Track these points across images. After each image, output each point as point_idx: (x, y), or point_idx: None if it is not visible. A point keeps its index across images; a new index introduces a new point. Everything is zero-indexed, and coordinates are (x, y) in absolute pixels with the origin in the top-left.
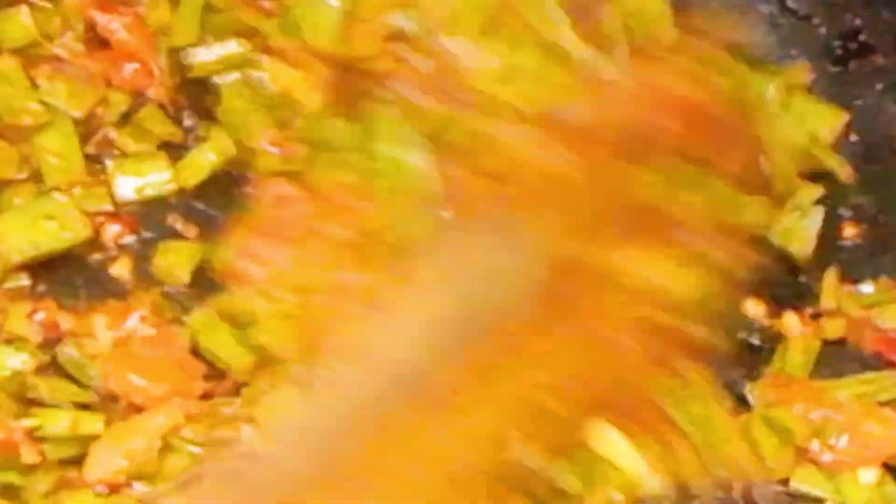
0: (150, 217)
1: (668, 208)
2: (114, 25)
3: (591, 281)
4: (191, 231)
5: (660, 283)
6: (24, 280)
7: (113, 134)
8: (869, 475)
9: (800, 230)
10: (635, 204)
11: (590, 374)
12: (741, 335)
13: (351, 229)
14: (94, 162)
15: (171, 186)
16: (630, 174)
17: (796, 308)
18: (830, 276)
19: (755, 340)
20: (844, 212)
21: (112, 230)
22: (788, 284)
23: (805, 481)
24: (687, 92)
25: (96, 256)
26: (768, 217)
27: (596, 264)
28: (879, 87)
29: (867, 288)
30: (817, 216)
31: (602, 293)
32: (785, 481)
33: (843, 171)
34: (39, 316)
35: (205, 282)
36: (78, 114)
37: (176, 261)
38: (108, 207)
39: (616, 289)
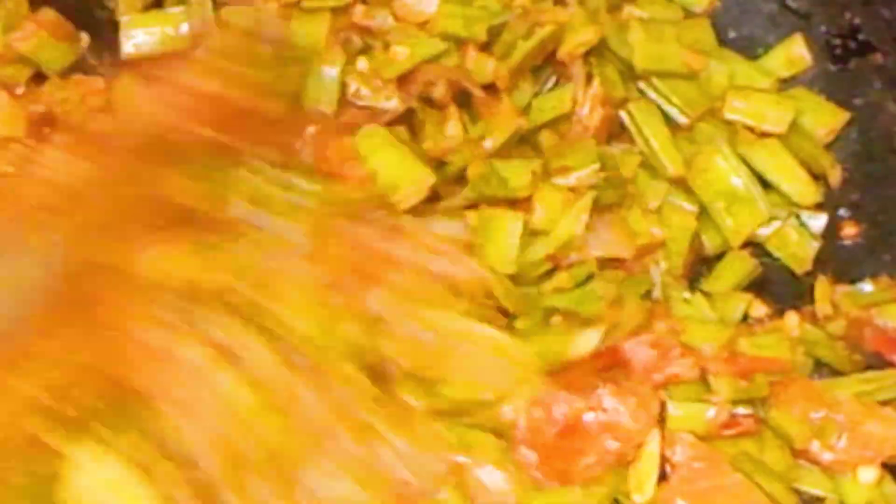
0: None
1: (200, 204)
2: None
3: (111, 281)
4: None
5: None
6: None
7: None
8: (869, 474)
9: (799, 245)
10: (163, 204)
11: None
12: None
13: None
14: None
15: None
16: (157, 176)
17: (797, 308)
18: (823, 284)
19: None
20: (844, 211)
21: None
22: (789, 283)
23: (805, 481)
24: (215, 89)
25: None
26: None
27: (117, 265)
28: (879, 85)
29: (867, 287)
30: (817, 229)
31: (123, 291)
32: None
33: (834, 174)
34: None
35: None
36: None
37: None
38: None
39: (136, 286)
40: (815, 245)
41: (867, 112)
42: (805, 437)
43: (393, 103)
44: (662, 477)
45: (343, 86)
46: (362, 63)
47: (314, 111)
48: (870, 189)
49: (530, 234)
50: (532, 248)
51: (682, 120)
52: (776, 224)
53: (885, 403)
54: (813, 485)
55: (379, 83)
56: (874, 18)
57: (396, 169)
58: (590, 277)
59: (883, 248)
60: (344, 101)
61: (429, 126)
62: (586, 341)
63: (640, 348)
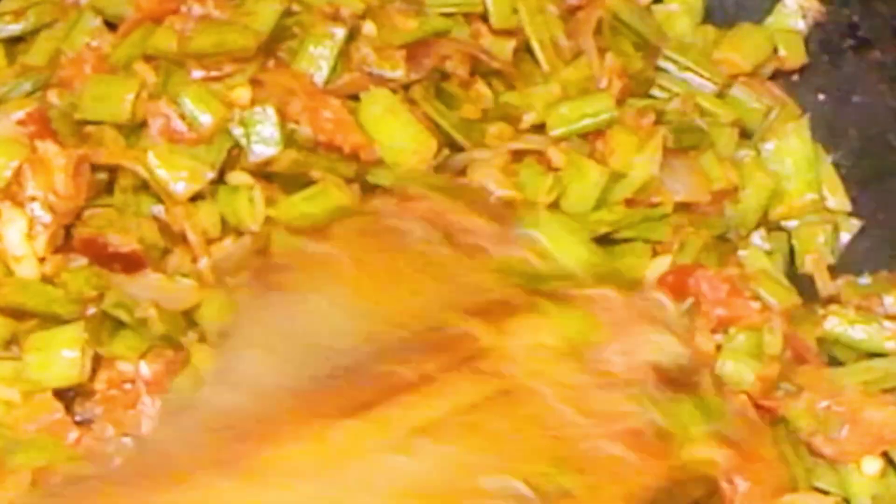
0: None
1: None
2: None
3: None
4: None
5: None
6: None
7: None
8: (873, 466)
9: (824, 246)
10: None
11: None
12: None
13: None
14: None
15: None
16: None
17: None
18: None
19: None
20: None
21: None
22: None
23: (811, 475)
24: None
25: None
26: None
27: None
28: (877, 81)
29: (864, 281)
30: (845, 238)
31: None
32: None
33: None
34: None
35: None
36: None
37: None
38: None
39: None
40: (834, 254)
41: (866, 109)
42: (811, 428)
43: (399, 73)
44: None
45: (347, 52)
46: (369, 27)
47: (306, 76)
48: (868, 185)
49: (610, 178)
50: (611, 193)
51: (710, 88)
52: (811, 217)
53: (888, 391)
54: (817, 478)
55: (388, 51)
56: (872, 15)
57: (399, 140)
58: (664, 217)
59: (882, 245)
60: (349, 66)
61: (460, 93)
62: (657, 266)
63: (711, 280)
